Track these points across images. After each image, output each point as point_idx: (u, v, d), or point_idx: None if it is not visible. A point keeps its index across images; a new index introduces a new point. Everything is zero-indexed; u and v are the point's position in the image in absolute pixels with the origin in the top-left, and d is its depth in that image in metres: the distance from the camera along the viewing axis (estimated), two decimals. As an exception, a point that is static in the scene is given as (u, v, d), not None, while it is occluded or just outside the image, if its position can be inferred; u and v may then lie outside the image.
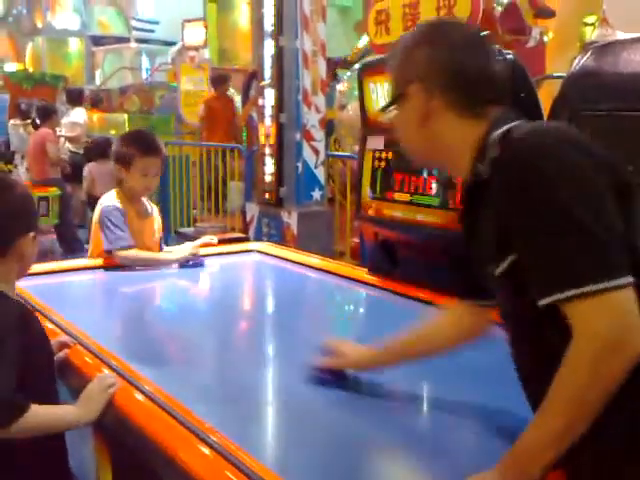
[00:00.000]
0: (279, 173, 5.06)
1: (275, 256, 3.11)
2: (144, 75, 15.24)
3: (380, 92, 2.42)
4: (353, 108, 6.02)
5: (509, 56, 2.11)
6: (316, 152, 5.02)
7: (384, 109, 1.35)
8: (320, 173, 5.06)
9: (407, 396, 1.69)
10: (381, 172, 2.46)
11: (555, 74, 4.16)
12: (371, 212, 2.54)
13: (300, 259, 2.96)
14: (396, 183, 2.39)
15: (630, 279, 1.01)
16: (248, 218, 5.50)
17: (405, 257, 2.48)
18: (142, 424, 1.40)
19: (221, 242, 3.74)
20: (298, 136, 4.95)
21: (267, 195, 5.24)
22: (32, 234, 1.54)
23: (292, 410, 1.57)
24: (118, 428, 1.49)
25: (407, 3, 2.28)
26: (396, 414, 1.57)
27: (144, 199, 2.92)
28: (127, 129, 9.15)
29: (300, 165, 4.99)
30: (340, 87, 6.29)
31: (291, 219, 4.99)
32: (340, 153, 5.56)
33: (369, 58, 2.80)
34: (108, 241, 2.68)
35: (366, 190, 2.54)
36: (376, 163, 2.48)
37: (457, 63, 1.23)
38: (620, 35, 5.34)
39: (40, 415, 1.41)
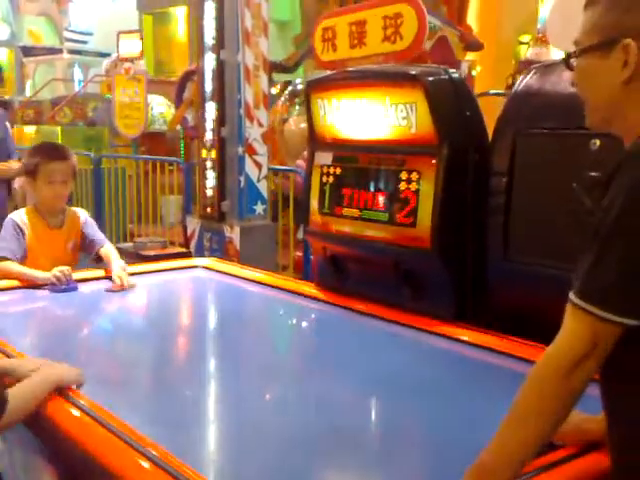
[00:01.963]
0: (221, 187, 5.01)
1: (222, 272, 3.08)
2: (77, 87, 14.90)
3: (327, 108, 2.43)
4: (295, 122, 6.04)
5: (454, 75, 2.16)
6: (259, 166, 5.00)
7: (582, 52, 1.17)
8: (263, 187, 5.04)
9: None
10: (329, 187, 2.47)
11: (493, 91, 4.28)
12: (319, 227, 2.54)
13: (247, 275, 2.94)
14: (345, 198, 2.40)
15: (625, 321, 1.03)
16: (189, 232, 5.43)
17: (353, 272, 2.49)
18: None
19: (163, 258, 3.66)
20: (240, 150, 4.92)
21: (209, 209, 5.19)
22: None
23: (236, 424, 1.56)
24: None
25: (354, 21, 2.30)
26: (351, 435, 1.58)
27: (66, 210, 2.90)
28: (60, 141, 8.92)
29: (242, 179, 4.96)
30: (280, 102, 6.30)
31: (233, 234, 4.95)
32: (282, 167, 5.55)
33: (315, 75, 2.81)
34: None
35: (314, 205, 2.54)
36: (324, 178, 2.49)
37: None
38: (554, 53, 5.54)
39: (18, 400, 1.40)
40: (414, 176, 2.18)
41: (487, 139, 2.19)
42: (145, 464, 1.26)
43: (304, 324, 2.57)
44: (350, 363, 1.98)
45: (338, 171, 2.44)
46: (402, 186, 2.21)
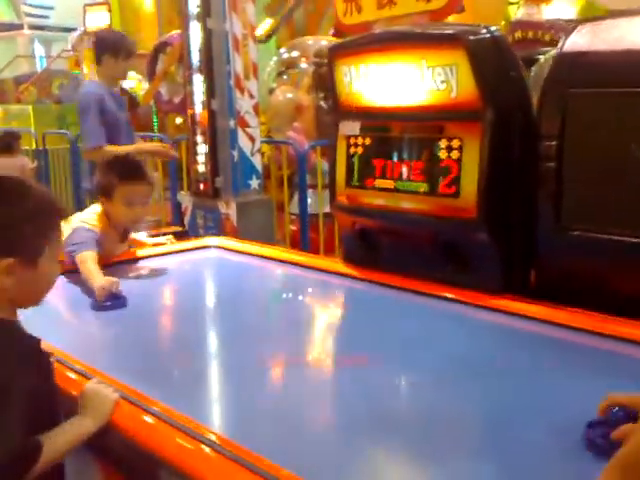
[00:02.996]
0: (214, 162, 4.83)
1: (237, 251, 2.94)
2: (39, 64, 14.39)
3: (352, 74, 2.28)
4: (282, 91, 5.85)
5: (496, 33, 2.04)
6: (252, 139, 4.82)
7: None
8: (257, 161, 4.87)
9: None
10: (358, 159, 2.34)
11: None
12: (348, 201, 2.41)
13: (266, 253, 2.81)
14: (377, 170, 2.27)
15: None
16: (183, 209, 5.25)
17: (387, 246, 2.37)
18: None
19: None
20: (232, 123, 4.73)
21: (201, 186, 5.01)
22: (10, 260, 1.29)
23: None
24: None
25: (382, -21, 2.15)
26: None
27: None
28: (32, 121, 8.61)
29: (236, 153, 4.78)
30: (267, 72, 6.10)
31: (230, 210, 4.79)
32: (274, 139, 5.38)
33: (340, 40, 2.65)
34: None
35: (341, 178, 2.41)
36: (352, 149, 2.36)
37: None
38: (546, 12, 5.42)
39: (56, 444, 1.27)
40: (455, 143, 2.06)
41: (532, 101, 2.07)
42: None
43: (342, 303, 2.44)
44: (399, 343, 1.87)
45: (368, 141, 2.30)
46: (442, 154, 2.08)
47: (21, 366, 1.24)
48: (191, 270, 2.80)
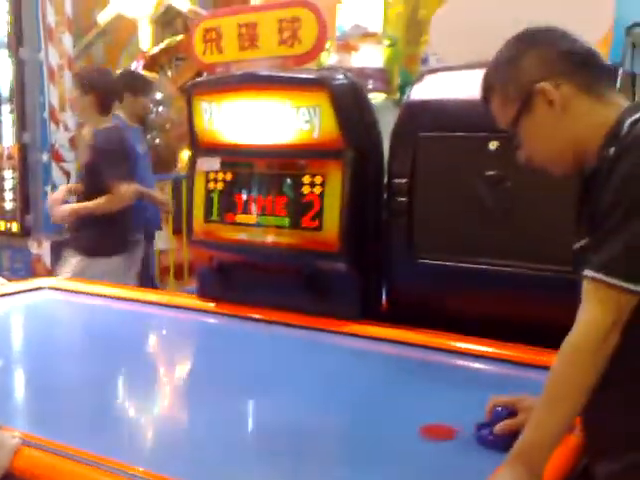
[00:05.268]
0: (24, 199, 4.53)
1: (75, 291, 2.79)
2: None
3: (213, 112, 2.34)
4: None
5: (354, 79, 2.22)
6: (67, 174, 4.61)
7: (513, 125, 1.32)
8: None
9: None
10: (218, 194, 2.38)
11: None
12: (206, 236, 2.43)
13: (113, 293, 2.71)
14: (238, 205, 2.33)
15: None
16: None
17: (246, 279, 2.42)
18: None
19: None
20: (46, 157, 4.49)
21: (7, 225, 4.66)
22: None
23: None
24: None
25: (243, 23, 2.24)
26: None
27: None
28: None
29: (49, 189, 4.53)
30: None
31: (42, 250, 4.51)
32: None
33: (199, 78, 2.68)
34: None
35: (199, 213, 2.43)
36: (211, 185, 2.39)
37: (566, 49, 1.28)
38: (356, 60, 5.82)
39: None
40: (318, 179, 2.19)
41: (382, 143, 2.27)
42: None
43: (204, 339, 2.42)
44: (259, 370, 1.92)
45: (229, 177, 2.36)
46: (305, 190, 2.20)
47: None
48: (25, 316, 2.60)
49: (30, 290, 2.82)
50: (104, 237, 3.44)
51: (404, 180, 2.17)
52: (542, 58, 1.29)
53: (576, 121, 1.27)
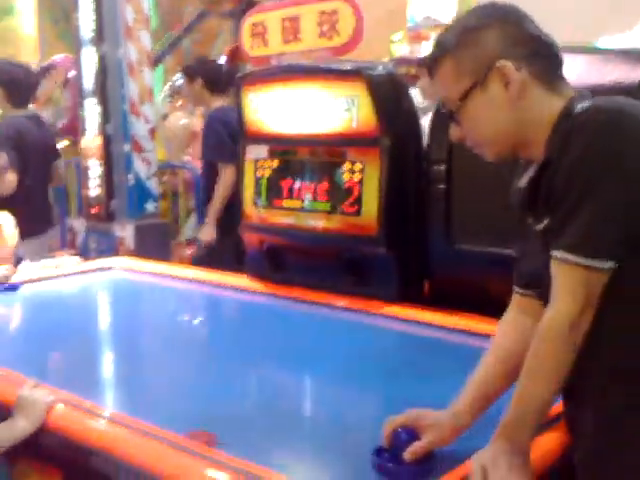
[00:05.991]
0: (109, 186, 4.83)
1: (141, 271, 3.00)
2: None
3: (260, 102, 2.45)
4: (176, 117, 5.93)
5: (391, 69, 2.27)
6: (147, 163, 4.87)
7: (460, 99, 1.23)
8: (152, 184, 4.92)
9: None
10: (266, 180, 2.50)
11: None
12: (256, 220, 2.56)
13: (172, 272, 2.89)
14: (284, 191, 2.45)
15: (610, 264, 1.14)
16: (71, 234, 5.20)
17: (293, 262, 2.54)
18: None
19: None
20: (127, 147, 4.77)
21: (94, 210, 4.98)
22: None
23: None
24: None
25: (287, 17, 2.34)
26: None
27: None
28: None
29: (131, 177, 4.81)
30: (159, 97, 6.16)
31: (125, 233, 4.79)
32: (171, 164, 5.43)
33: (248, 69, 2.81)
34: None
35: (249, 199, 2.56)
36: (259, 172, 2.52)
37: (533, 32, 1.24)
38: (425, 49, 5.84)
39: None
40: (357, 167, 2.27)
41: (421, 130, 2.32)
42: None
43: (249, 317, 2.55)
44: (309, 351, 2.02)
45: (276, 164, 2.47)
46: (345, 177, 2.29)
47: None
48: (95, 294, 2.83)
49: (101, 269, 3.05)
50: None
51: (442, 167, 2.22)
52: (509, 36, 1.22)
53: (527, 108, 1.23)
